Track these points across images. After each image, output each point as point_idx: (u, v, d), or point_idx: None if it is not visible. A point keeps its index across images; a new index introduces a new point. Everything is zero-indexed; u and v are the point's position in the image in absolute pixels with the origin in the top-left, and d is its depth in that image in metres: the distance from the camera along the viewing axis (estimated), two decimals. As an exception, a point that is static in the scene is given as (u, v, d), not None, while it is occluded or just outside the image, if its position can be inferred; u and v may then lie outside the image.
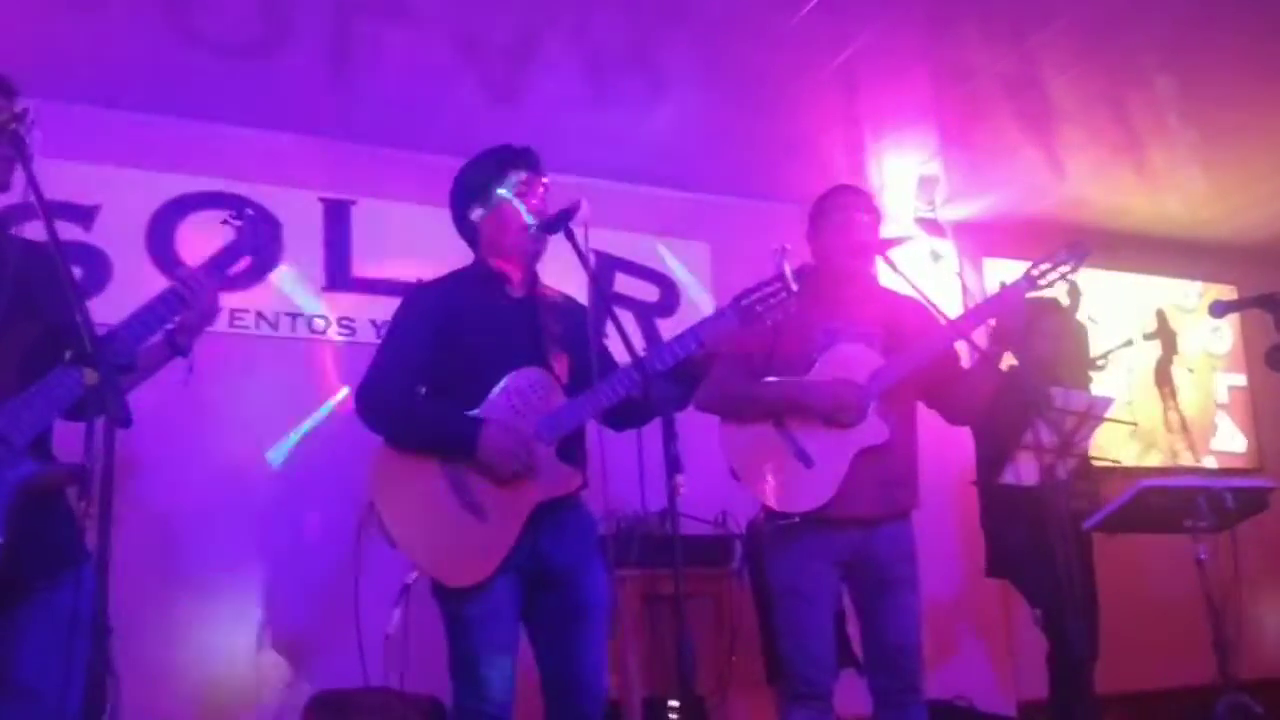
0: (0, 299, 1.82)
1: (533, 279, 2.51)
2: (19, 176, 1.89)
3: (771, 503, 2.65)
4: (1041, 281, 2.66)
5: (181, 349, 2.10)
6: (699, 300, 4.53)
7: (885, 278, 2.86)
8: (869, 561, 2.65)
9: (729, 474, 2.72)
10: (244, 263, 2.27)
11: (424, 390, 2.43)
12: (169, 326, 2.05)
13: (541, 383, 2.35)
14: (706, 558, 3.66)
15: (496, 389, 2.33)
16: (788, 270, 2.31)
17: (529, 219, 2.42)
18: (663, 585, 3.45)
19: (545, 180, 2.49)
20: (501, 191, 2.45)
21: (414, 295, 2.56)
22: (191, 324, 2.09)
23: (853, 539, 2.63)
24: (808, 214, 2.87)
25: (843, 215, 2.77)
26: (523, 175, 2.46)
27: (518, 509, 2.28)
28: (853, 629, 2.93)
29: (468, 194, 2.50)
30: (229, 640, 3.49)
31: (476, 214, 2.49)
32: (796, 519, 2.60)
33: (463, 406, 2.32)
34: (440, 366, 2.40)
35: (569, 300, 2.54)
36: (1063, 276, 2.67)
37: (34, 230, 1.88)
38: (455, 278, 2.53)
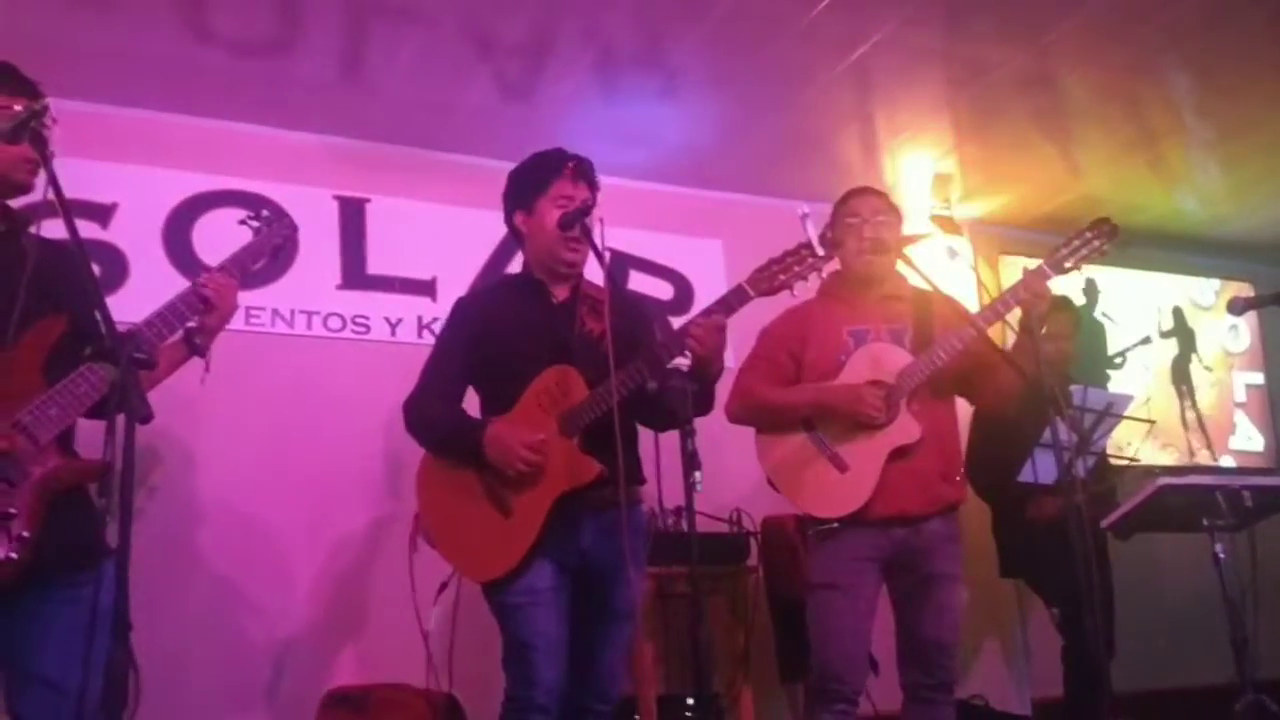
0: (22, 297, 1.83)
1: (576, 282, 2.55)
2: (39, 175, 1.91)
3: (810, 510, 2.65)
4: (1068, 263, 2.59)
5: (199, 349, 2.12)
6: (713, 298, 4.51)
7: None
8: (914, 558, 2.63)
9: (767, 484, 2.72)
10: (261, 262, 2.30)
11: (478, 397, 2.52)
12: (190, 325, 2.08)
13: (564, 380, 2.39)
14: (721, 556, 3.65)
15: (526, 392, 2.40)
16: (813, 233, 2.32)
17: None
18: (678, 583, 3.46)
19: (589, 188, 2.50)
20: (535, 199, 2.50)
21: (455, 307, 2.65)
22: (211, 325, 2.12)
23: (896, 537, 2.62)
24: (828, 219, 2.84)
25: (861, 217, 2.77)
26: (558, 183, 2.49)
27: (540, 502, 2.34)
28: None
29: (510, 200, 2.58)
30: (247, 636, 3.49)
31: (518, 220, 2.56)
32: (835, 524, 2.60)
33: (500, 410, 2.41)
34: (480, 374, 2.51)
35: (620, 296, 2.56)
36: (1095, 252, 2.59)
37: (53, 228, 1.89)
38: (498, 286, 2.58)
